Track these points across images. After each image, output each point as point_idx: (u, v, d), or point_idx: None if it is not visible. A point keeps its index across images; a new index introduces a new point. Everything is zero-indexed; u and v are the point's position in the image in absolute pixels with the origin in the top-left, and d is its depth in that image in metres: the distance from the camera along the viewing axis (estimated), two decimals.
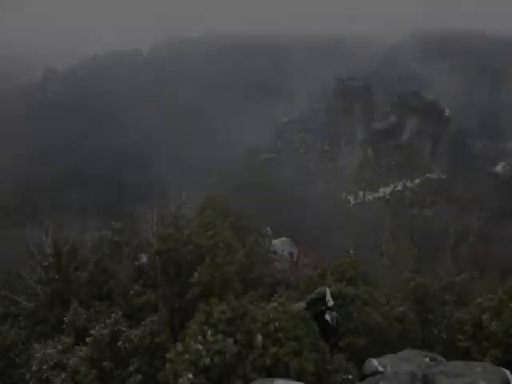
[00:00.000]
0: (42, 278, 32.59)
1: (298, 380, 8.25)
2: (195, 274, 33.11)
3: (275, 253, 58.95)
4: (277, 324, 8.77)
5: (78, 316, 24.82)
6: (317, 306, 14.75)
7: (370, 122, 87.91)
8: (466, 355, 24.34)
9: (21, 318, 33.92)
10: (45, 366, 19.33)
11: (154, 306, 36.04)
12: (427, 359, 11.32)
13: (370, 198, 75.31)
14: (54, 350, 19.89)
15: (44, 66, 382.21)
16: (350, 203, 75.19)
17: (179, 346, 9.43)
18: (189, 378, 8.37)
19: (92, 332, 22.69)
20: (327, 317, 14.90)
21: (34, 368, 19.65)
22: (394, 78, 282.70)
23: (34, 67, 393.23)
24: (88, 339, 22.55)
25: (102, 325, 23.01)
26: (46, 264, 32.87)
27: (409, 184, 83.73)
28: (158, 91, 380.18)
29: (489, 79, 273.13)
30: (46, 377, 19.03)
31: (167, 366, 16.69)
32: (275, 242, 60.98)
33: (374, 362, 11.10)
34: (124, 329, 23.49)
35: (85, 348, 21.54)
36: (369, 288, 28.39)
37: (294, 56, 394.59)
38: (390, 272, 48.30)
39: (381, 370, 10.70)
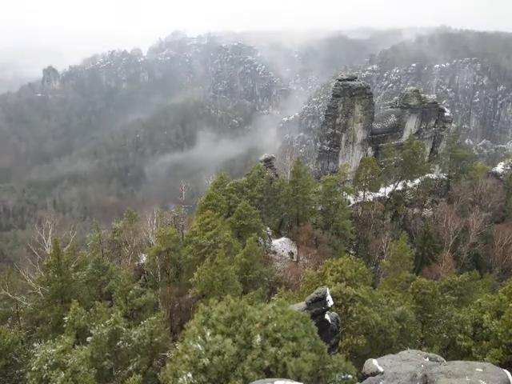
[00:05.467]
0: (41, 277, 32.65)
1: (297, 380, 8.24)
2: (195, 274, 33.19)
3: (275, 253, 58.91)
4: (275, 324, 8.75)
5: (77, 316, 24.81)
6: (317, 306, 14.75)
7: (369, 122, 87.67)
8: (465, 355, 24.36)
9: (21, 318, 34.02)
10: (45, 366, 19.30)
11: (153, 305, 36.16)
12: (427, 359, 11.30)
13: (370, 197, 75.04)
14: (54, 350, 19.85)
15: (44, 66, 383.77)
16: (349, 203, 74.98)
17: (179, 346, 9.42)
18: (188, 378, 8.36)
19: (92, 332, 22.69)
20: (327, 317, 14.89)
21: (33, 367, 19.62)
22: (393, 79, 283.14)
23: (34, 67, 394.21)
24: (88, 339, 22.55)
25: (102, 325, 23.02)
26: (45, 264, 32.93)
27: (409, 184, 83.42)
28: (158, 90, 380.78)
29: (489, 79, 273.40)
30: (46, 376, 18.99)
31: (167, 365, 16.66)
32: (275, 242, 60.93)
33: (374, 362, 11.08)
34: (124, 329, 23.50)
35: (85, 348, 21.53)
36: (369, 288, 28.38)
37: (293, 56, 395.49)
38: (389, 272, 48.27)
39: (381, 370, 10.68)
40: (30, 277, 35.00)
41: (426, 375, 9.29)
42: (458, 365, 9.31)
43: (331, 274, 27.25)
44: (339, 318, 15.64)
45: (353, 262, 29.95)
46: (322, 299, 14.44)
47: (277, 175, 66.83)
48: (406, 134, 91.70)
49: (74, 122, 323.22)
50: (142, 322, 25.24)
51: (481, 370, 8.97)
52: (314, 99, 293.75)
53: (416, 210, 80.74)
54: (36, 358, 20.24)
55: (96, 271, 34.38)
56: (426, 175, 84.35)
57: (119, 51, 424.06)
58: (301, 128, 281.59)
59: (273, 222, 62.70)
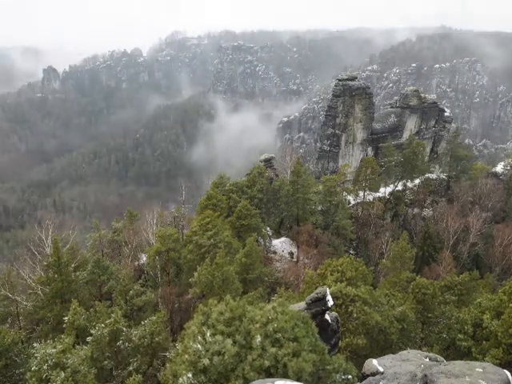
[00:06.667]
0: (41, 277, 32.65)
1: (297, 381, 8.24)
2: (195, 274, 33.19)
3: (275, 253, 58.91)
4: (276, 325, 8.75)
5: (77, 316, 24.81)
6: (317, 306, 14.74)
7: (369, 122, 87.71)
8: (465, 355, 24.35)
9: (21, 318, 34.01)
10: (45, 366, 19.28)
11: (153, 306, 36.15)
12: (427, 359, 11.29)
13: (370, 197, 75.04)
14: (54, 350, 19.84)
15: (44, 66, 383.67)
16: (349, 203, 74.98)
17: (179, 347, 9.43)
18: (188, 378, 8.36)
19: (92, 332, 22.70)
20: (327, 317, 14.88)
21: (33, 367, 19.60)
22: (393, 79, 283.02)
23: (34, 67, 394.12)
24: (88, 339, 22.56)
25: (102, 324, 23.02)
26: (45, 264, 32.94)
27: (409, 184, 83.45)
28: (158, 90, 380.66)
29: (489, 79, 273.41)
30: (46, 376, 18.98)
31: (167, 365, 16.65)
32: (275, 242, 60.91)
33: (374, 362, 11.07)
34: (124, 328, 23.51)
35: (85, 347, 21.53)
36: (369, 288, 28.37)
37: (293, 56, 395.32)
38: (390, 272, 48.24)
39: (381, 370, 10.67)
40: (30, 277, 35.00)
41: (426, 375, 9.29)
42: (458, 365, 9.31)
43: (331, 274, 27.26)
44: (339, 318, 15.63)
45: (353, 262, 29.96)
46: (322, 299, 14.43)
47: (277, 175, 66.83)
48: (405, 134, 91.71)
49: (73, 121, 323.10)
50: (142, 322, 25.25)
51: (481, 370, 8.97)
52: (313, 99, 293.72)
53: (416, 210, 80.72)
54: (36, 358, 20.21)
55: (96, 271, 34.37)
56: (426, 175, 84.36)
57: (119, 51, 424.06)
58: (301, 128, 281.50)
59: (273, 222, 62.70)
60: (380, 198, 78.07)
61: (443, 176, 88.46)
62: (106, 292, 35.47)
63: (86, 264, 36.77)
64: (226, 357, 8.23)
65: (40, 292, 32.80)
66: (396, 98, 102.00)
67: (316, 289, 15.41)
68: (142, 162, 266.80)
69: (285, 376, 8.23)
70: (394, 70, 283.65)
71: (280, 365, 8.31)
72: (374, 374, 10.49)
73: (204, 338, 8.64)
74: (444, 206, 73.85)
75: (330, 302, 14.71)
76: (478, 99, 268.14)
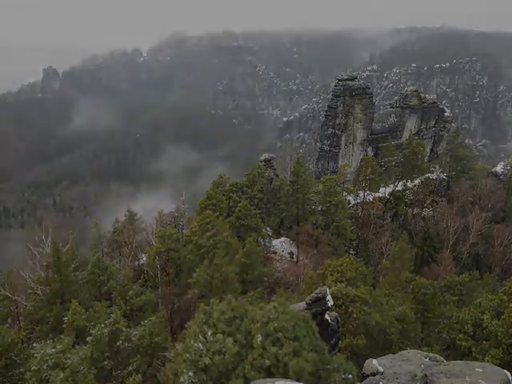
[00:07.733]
0: (41, 278, 32.64)
1: (298, 380, 8.24)
2: (194, 275, 33.15)
3: (275, 253, 58.90)
4: (276, 324, 8.76)
5: (77, 316, 24.80)
6: (317, 306, 14.73)
7: (369, 122, 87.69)
8: (466, 355, 24.37)
9: (21, 318, 33.99)
10: (44, 366, 19.28)
11: (153, 305, 36.13)
12: (427, 359, 11.28)
13: (370, 197, 75.00)
14: (54, 350, 19.83)
15: (44, 66, 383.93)
16: (349, 203, 74.96)
17: (179, 346, 9.43)
18: (189, 377, 8.37)
19: (92, 332, 22.68)
20: (327, 317, 14.87)
21: (33, 367, 19.59)
22: (393, 79, 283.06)
23: (34, 67, 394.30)
24: (88, 339, 22.54)
25: (102, 324, 23.00)
26: (45, 264, 32.93)
27: (409, 184, 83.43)
28: (158, 90, 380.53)
29: (489, 79, 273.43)
30: (46, 376, 18.98)
31: (167, 365, 16.64)
32: (275, 242, 60.91)
33: (374, 362, 11.06)
34: (123, 328, 23.48)
35: (85, 347, 21.51)
36: (369, 288, 28.39)
37: (293, 56, 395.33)
38: (389, 272, 48.24)
39: (381, 370, 10.66)
40: (29, 277, 34.99)
41: (426, 375, 9.28)
42: (458, 365, 9.29)
43: (331, 275, 27.28)
44: (339, 318, 15.63)
45: (353, 263, 29.98)
46: (322, 299, 14.43)
47: (277, 175, 66.83)
48: (405, 134, 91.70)
49: (74, 121, 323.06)
50: (141, 322, 25.23)
51: (481, 370, 8.95)
52: (314, 99, 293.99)
53: (416, 210, 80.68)
54: (36, 357, 20.19)
55: (96, 271, 34.35)
56: (426, 175, 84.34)
57: (119, 51, 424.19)
58: (301, 128, 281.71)
59: (273, 222, 62.71)
60: (380, 198, 78.02)
61: (443, 176, 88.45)
62: (106, 292, 35.42)
63: (86, 264, 36.75)
64: (226, 356, 8.24)
65: (40, 292, 32.78)
66: (396, 98, 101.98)
67: (316, 289, 15.40)
68: (142, 162, 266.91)
69: (285, 375, 8.24)
70: (394, 70, 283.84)
71: (281, 364, 8.32)
72: (373, 374, 10.48)
73: (205, 337, 8.65)
74: (444, 206, 73.82)
75: (330, 302, 14.71)
76: (477, 99, 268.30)
